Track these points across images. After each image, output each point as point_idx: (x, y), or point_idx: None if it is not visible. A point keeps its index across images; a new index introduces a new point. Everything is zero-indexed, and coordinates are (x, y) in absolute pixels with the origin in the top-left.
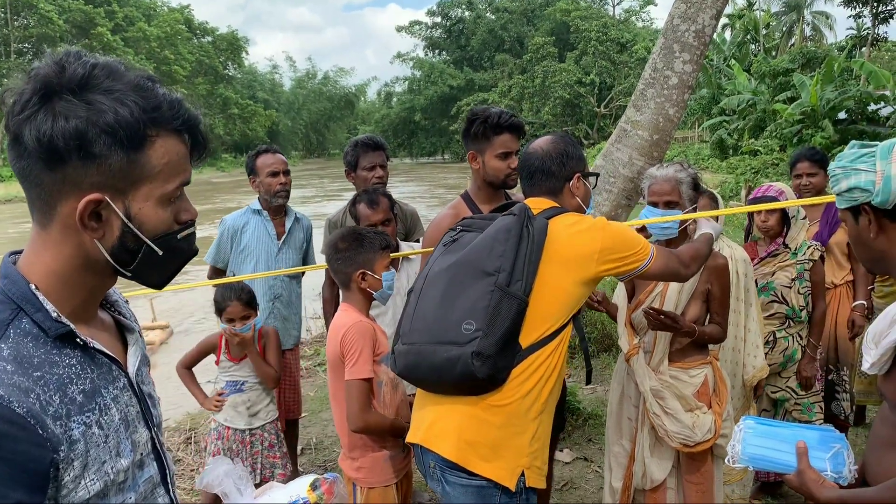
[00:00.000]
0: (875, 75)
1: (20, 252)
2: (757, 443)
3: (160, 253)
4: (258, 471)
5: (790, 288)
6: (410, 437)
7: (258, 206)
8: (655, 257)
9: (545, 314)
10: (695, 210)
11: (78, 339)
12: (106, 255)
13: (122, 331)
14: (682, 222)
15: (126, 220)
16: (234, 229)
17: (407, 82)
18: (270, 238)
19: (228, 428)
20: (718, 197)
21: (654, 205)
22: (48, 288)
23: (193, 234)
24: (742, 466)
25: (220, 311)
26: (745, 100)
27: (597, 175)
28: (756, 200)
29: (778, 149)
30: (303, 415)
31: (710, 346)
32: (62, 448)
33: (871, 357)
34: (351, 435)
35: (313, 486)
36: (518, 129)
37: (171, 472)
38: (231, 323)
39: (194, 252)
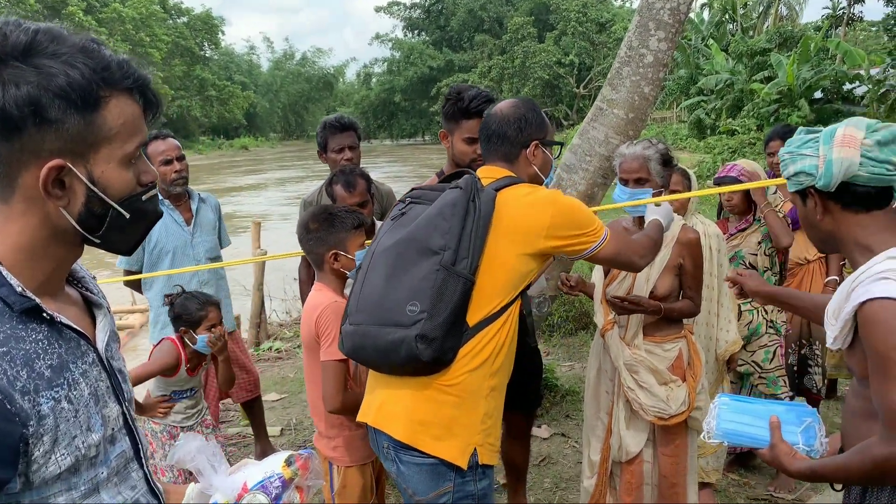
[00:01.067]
0: (850, 55)
1: None
2: (731, 418)
3: (127, 216)
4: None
5: (756, 254)
6: (361, 417)
7: (159, 197)
8: (608, 241)
9: (492, 291)
10: (667, 184)
11: (44, 314)
12: (73, 222)
13: (91, 307)
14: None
15: (90, 185)
16: None
17: (386, 63)
18: (180, 226)
19: (176, 427)
20: (691, 173)
21: (625, 182)
22: (13, 262)
23: (157, 195)
24: (718, 441)
25: (197, 321)
26: (723, 80)
27: (561, 144)
28: (719, 181)
29: (755, 128)
30: (283, 395)
31: (685, 321)
32: (31, 423)
33: (832, 332)
34: (327, 415)
35: (288, 462)
36: None
37: (143, 447)
38: (212, 329)
39: (159, 214)
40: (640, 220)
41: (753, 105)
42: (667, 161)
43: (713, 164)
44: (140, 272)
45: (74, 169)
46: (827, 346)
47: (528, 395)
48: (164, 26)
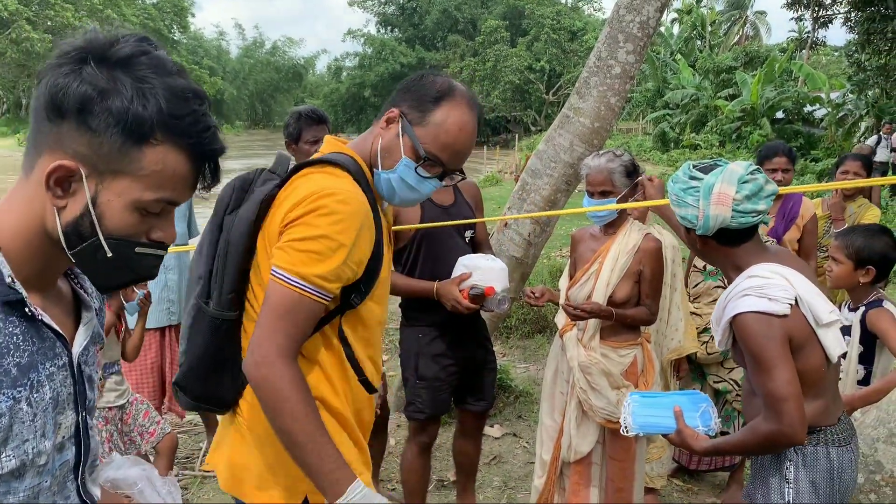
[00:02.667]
0: (812, 78)
1: None
2: (643, 412)
3: (109, 254)
4: (145, 438)
5: None
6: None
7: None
8: (295, 295)
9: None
10: (634, 192)
11: (27, 309)
12: (59, 227)
13: (80, 305)
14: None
15: (90, 203)
16: None
17: (357, 58)
18: None
19: (111, 409)
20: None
21: (591, 194)
22: (10, 247)
23: (157, 257)
24: (634, 434)
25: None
26: (689, 94)
27: (441, 167)
28: None
29: (717, 144)
30: None
31: (643, 329)
32: None
33: (717, 336)
34: None
35: None
36: None
37: (85, 458)
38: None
39: (150, 275)
40: (607, 227)
41: (717, 121)
42: (630, 172)
43: None
44: None
45: (85, 180)
46: (716, 347)
47: (481, 392)
48: (133, 6)
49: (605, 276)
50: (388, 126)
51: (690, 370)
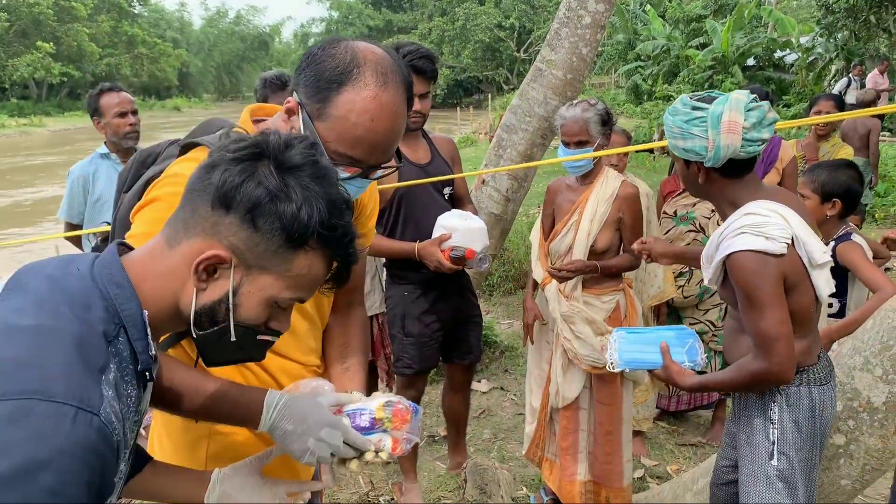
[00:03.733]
0: (781, 23)
1: (127, 245)
2: (629, 348)
3: (232, 338)
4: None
5: (710, 219)
6: None
7: (106, 151)
8: None
9: None
10: (608, 141)
11: (149, 379)
12: (193, 308)
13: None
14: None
15: (230, 293)
16: (84, 179)
17: (324, 23)
18: None
19: None
20: (631, 135)
21: (567, 145)
22: (152, 317)
23: (271, 343)
24: (620, 370)
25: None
26: (660, 45)
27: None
28: None
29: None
30: None
31: (624, 274)
32: (115, 482)
33: (707, 274)
34: None
35: (386, 405)
36: (422, 72)
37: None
38: None
39: (260, 358)
40: (583, 177)
41: (689, 71)
42: (605, 121)
43: (649, 130)
44: (81, 225)
45: (234, 272)
46: (704, 283)
47: (468, 346)
48: None
49: (585, 227)
50: (290, 118)
51: (667, 314)
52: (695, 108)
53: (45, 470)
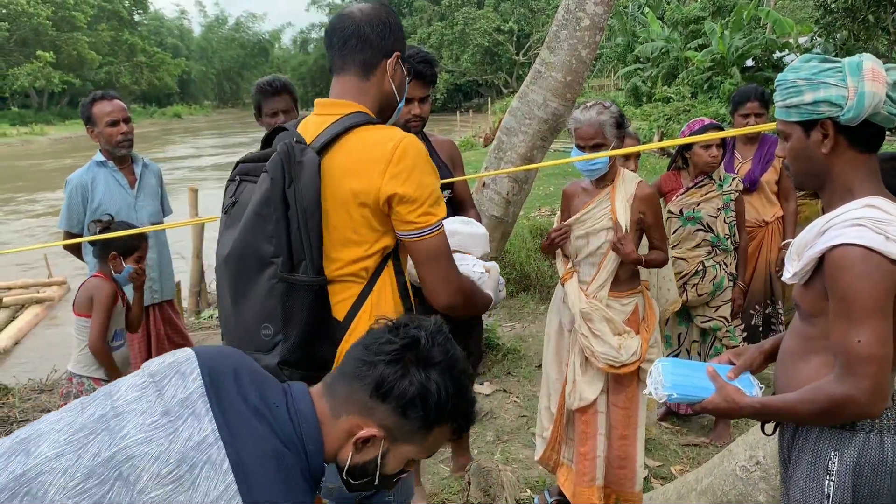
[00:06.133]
0: (780, 23)
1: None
2: (676, 372)
3: (376, 485)
4: None
5: (716, 218)
6: None
7: (102, 158)
8: (439, 234)
9: (350, 271)
10: (622, 144)
11: (316, 491)
12: (348, 463)
13: None
14: (610, 159)
15: (379, 459)
16: (82, 187)
17: (323, 28)
18: (124, 189)
19: (98, 381)
20: (639, 137)
21: (582, 148)
22: (325, 463)
23: (400, 479)
24: (665, 399)
25: (129, 250)
26: (659, 47)
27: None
28: (704, 131)
29: (689, 95)
30: None
31: (641, 276)
32: None
33: (794, 267)
34: None
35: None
36: (422, 76)
37: None
38: (140, 262)
39: (390, 488)
40: (599, 180)
41: (688, 73)
42: (619, 123)
43: (649, 131)
44: (81, 234)
45: (383, 444)
46: (783, 279)
47: (468, 352)
48: None
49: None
50: (396, 68)
51: (675, 314)
52: (825, 61)
53: None
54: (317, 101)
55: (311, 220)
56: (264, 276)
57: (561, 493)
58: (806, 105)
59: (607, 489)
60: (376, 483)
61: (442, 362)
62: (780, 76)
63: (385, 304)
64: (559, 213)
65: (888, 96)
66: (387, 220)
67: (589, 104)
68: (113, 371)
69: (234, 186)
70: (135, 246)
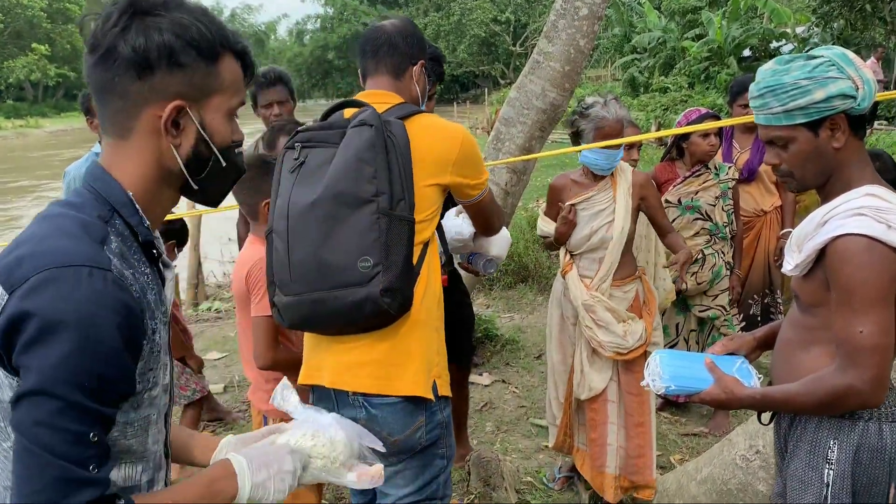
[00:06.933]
0: (777, 13)
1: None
2: (673, 364)
3: (223, 164)
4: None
5: (714, 206)
6: (309, 380)
7: (101, 150)
8: (488, 194)
9: (421, 224)
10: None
11: (154, 251)
12: (181, 163)
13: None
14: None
15: (200, 129)
16: (81, 178)
17: (319, 20)
18: None
19: None
20: (641, 128)
21: (607, 146)
22: (139, 198)
23: (242, 153)
24: (663, 391)
25: (184, 241)
26: (656, 38)
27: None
28: (700, 120)
29: (686, 86)
30: (224, 354)
31: (638, 263)
32: (145, 341)
33: (795, 259)
34: (260, 371)
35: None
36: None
37: (171, 405)
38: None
39: (245, 170)
40: (593, 173)
41: (685, 63)
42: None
43: (646, 122)
44: None
45: (190, 112)
46: (783, 270)
47: (462, 347)
48: None
49: (619, 219)
50: (420, 74)
51: (673, 304)
52: (810, 58)
53: (75, 324)
54: (360, 94)
55: (408, 165)
56: (363, 212)
57: (571, 470)
58: (817, 103)
59: (623, 479)
60: (224, 163)
61: (165, 2)
62: (767, 82)
63: (434, 264)
64: (544, 206)
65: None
66: (442, 197)
67: (605, 100)
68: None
69: (295, 152)
70: (187, 236)
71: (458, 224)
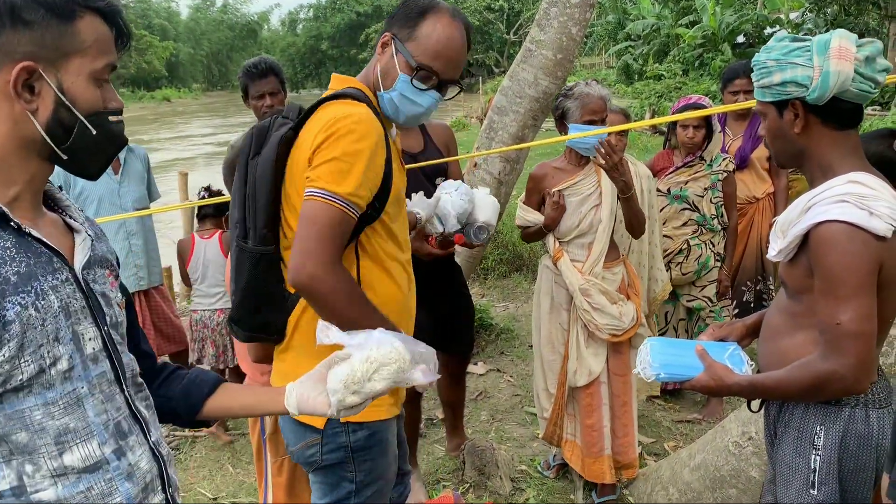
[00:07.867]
0: None
1: None
2: (665, 351)
3: (94, 132)
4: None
5: (702, 197)
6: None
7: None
8: (331, 203)
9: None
10: (603, 122)
11: (12, 223)
12: (40, 129)
13: (72, 232)
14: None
15: (59, 93)
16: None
17: (312, 10)
18: (107, 174)
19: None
20: (630, 114)
21: (593, 122)
22: None
23: (123, 123)
24: (653, 379)
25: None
26: (650, 25)
27: (432, 73)
28: (684, 110)
29: (681, 73)
30: None
31: (634, 259)
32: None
33: (778, 245)
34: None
35: None
36: None
37: (124, 372)
38: None
39: (125, 140)
40: (580, 157)
41: (679, 50)
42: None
43: (640, 109)
44: None
45: (45, 75)
46: (768, 256)
47: (461, 338)
48: None
49: (607, 203)
50: (384, 50)
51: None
52: (795, 41)
53: None
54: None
55: (259, 192)
56: (233, 239)
57: (564, 459)
58: (776, 86)
59: (611, 459)
60: (95, 131)
61: None
62: (756, 56)
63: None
64: (523, 195)
65: (859, 73)
66: None
67: (588, 81)
68: None
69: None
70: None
71: (446, 203)
